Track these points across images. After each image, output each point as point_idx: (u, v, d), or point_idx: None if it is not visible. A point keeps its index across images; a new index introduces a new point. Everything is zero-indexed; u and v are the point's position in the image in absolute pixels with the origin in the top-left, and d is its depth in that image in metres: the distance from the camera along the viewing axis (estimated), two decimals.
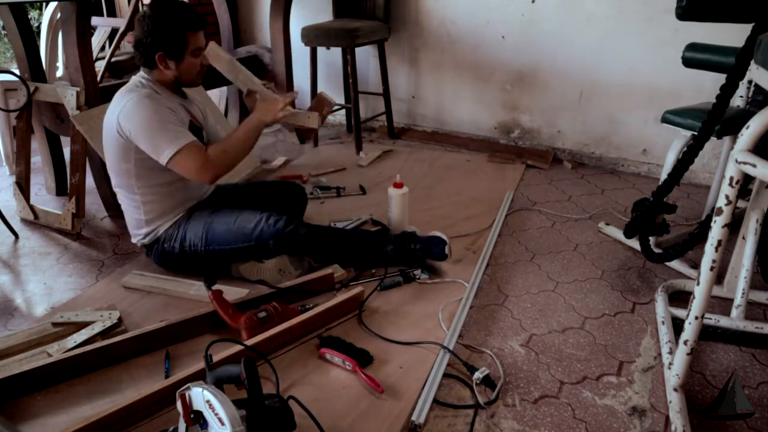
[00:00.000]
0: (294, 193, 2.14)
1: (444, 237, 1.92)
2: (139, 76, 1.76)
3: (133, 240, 1.93)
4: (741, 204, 2.12)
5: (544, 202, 2.53)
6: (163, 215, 1.85)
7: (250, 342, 1.46)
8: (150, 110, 1.66)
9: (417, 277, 1.88)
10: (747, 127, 1.14)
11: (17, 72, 2.35)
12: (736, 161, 1.14)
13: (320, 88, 3.31)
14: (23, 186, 2.38)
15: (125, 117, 1.66)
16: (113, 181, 1.84)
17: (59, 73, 3.22)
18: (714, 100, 1.47)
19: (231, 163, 1.75)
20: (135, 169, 1.75)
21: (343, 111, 3.62)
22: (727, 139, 1.97)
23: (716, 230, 1.22)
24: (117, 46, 3.21)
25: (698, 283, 1.27)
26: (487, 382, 1.43)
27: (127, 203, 1.85)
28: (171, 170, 1.71)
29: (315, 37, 2.99)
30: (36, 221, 2.34)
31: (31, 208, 2.35)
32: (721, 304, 1.74)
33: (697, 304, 1.28)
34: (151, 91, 1.72)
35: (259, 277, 1.86)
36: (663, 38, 2.58)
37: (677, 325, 1.58)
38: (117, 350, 1.49)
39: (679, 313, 1.65)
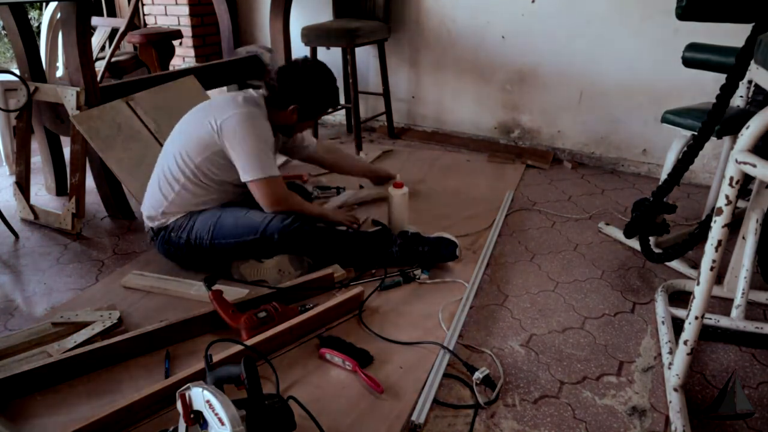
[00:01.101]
0: (300, 195, 2.13)
1: (453, 238, 1.94)
2: (258, 98, 1.86)
3: (145, 220, 1.92)
4: (741, 204, 2.12)
5: (544, 202, 2.53)
6: (188, 206, 1.85)
7: (250, 342, 1.46)
8: (261, 132, 1.78)
9: (417, 277, 1.88)
10: (747, 127, 1.14)
11: (17, 72, 2.35)
12: (736, 161, 1.14)
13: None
14: (23, 186, 2.38)
15: (235, 123, 1.75)
16: (168, 158, 1.85)
17: (59, 73, 3.22)
18: (714, 100, 1.47)
19: (294, 210, 1.85)
20: (203, 159, 1.79)
21: (343, 111, 3.62)
22: (727, 139, 1.97)
23: (716, 230, 1.22)
24: (117, 46, 3.21)
25: (698, 283, 1.27)
26: (487, 382, 1.43)
27: (166, 180, 1.84)
28: (231, 175, 1.80)
29: (315, 37, 2.99)
30: (36, 221, 2.34)
31: (31, 208, 2.35)
32: (721, 304, 1.74)
33: (697, 304, 1.28)
34: (262, 113, 1.82)
35: (258, 277, 1.86)
36: (663, 38, 2.58)
37: (677, 325, 1.58)
38: (117, 350, 1.49)
39: (679, 313, 1.65)
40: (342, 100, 3.45)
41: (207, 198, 1.87)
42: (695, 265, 1.94)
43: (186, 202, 1.85)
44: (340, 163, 2.35)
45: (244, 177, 1.77)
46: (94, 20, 3.55)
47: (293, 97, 1.84)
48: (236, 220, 1.83)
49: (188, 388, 1.06)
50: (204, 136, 1.78)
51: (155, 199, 1.87)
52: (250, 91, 1.90)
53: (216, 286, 1.67)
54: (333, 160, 2.32)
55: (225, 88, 3.44)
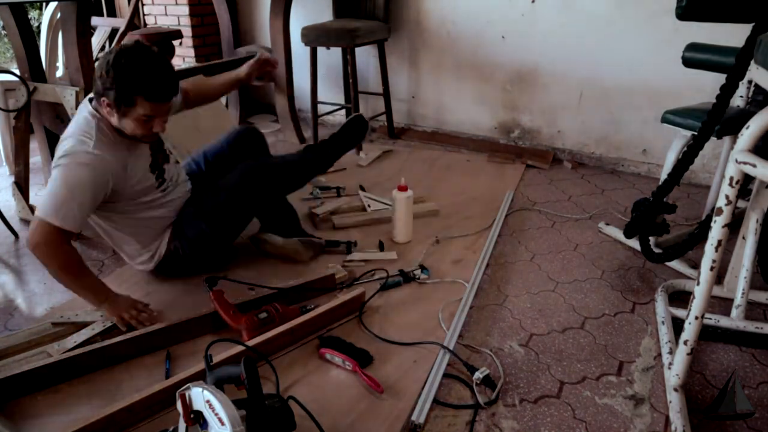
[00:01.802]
0: (252, 138, 2.09)
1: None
2: (91, 119, 1.57)
3: (140, 268, 1.86)
4: (741, 204, 2.12)
5: (544, 202, 2.53)
6: (148, 233, 1.78)
7: (250, 343, 1.46)
8: (74, 181, 1.50)
9: (417, 277, 1.88)
10: (747, 127, 1.14)
11: (17, 72, 2.35)
12: (736, 161, 1.14)
13: (320, 88, 3.32)
14: (22, 186, 2.38)
15: (58, 166, 1.51)
16: (99, 228, 1.74)
17: (59, 73, 3.22)
18: (714, 100, 1.47)
19: (47, 264, 1.53)
20: (105, 209, 1.66)
21: (343, 111, 3.62)
22: (727, 139, 1.97)
23: (716, 230, 1.22)
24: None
25: (698, 283, 1.27)
26: (487, 382, 1.43)
27: (104, 234, 1.77)
28: (129, 193, 1.64)
29: (315, 37, 2.99)
30: None
31: (31, 207, 2.35)
32: (721, 304, 1.74)
33: (697, 304, 1.28)
34: (96, 155, 1.52)
35: (279, 251, 1.98)
36: (663, 38, 2.58)
37: (677, 325, 1.58)
38: (117, 350, 1.49)
39: (679, 313, 1.65)
40: (342, 100, 3.45)
41: (152, 218, 1.75)
42: (695, 265, 1.94)
43: (149, 233, 1.77)
44: (207, 92, 2.04)
45: (36, 210, 1.53)
46: (94, 20, 3.55)
47: (100, 90, 1.52)
48: (216, 201, 1.80)
49: (188, 388, 1.06)
50: None
51: (124, 252, 1.82)
52: (84, 115, 1.59)
53: (217, 287, 1.67)
54: (194, 97, 1.98)
55: None
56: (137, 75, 1.48)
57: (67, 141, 1.55)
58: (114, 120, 1.56)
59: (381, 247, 2.07)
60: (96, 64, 1.56)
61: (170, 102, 1.59)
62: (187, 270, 1.90)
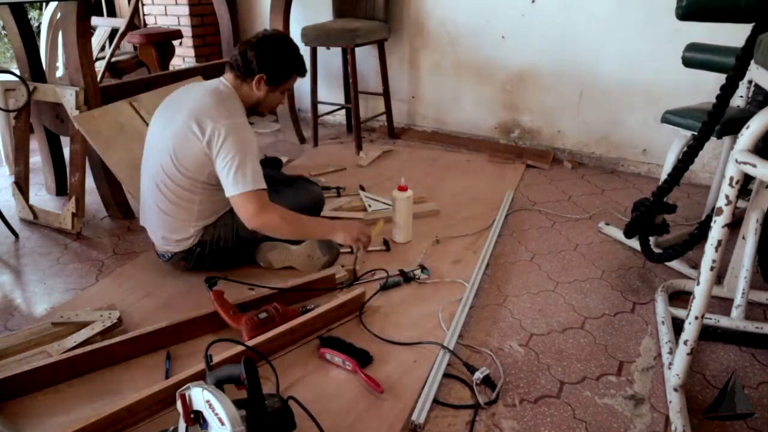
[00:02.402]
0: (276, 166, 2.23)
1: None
2: (227, 91, 1.76)
3: (168, 247, 1.84)
4: (741, 204, 2.12)
5: (544, 202, 2.53)
6: (213, 214, 1.82)
7: (250, 343, 1.46)
8: (249, 143, 1.68)
9: (417, 277, 1.88)
10: (747, 127, 1.14)
11: (17, 72, 2.35)
12: (736, 161, 1.14)
13: (320, 88, 3.32)
14: (22, 186, 2.38)
15: (226, 133, 1.64)
16: (173, 178, 1.73)
17: (59, 73, 3.22)
18: (714, 100, 1.47)
19: (279, 229, 1.72)
20: (207, 174, 1.72)
21: (343, 111, 3.62)
22: (727, 139, 1.97)
23: (716, 230, 1.22)
24: (117, 46, 3.21)
25: (698, 283, 1.27)
26: (487, 382, 1.43)
27: (177, 203, 1.76)
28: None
29: (315, 37, 2.99)
30: (35, 221, 2.34)
31: (31, 208, 2.35)
32: (721, 304, 1.74)
33: (697, 304, 1.28)
34: (244, 119, 1.74)
35: (287, 263, 1.91)
36: (663, 38, 2.58)
37: (677, 325, 1.58)
38: (117, 350, 1.49)
39: (679, 313, 1.65)
40: (342, 100, 3.45)
41: (221, 201, 1.79)
42: (695, 265, 1.94)
43: (208, 213, 1.81)
44: None
45: (232, 190, 1.66)
46: (94, 20, 3.55)
47: (257, 65, 1.74)
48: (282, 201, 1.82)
49: (188, 388, 1.06)
50: (197, 154, 1.68)
51: (173, 225, 1.79)
52: (218, 84, 1.78)
53: (217, 287, 1.66)
54: None
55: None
56: (295, 57, 1.83)
57: (218, 111, 1.68)
58: (259, 94, 1.80)
59: (387, 246, 2.07)
60: (243, 50, 1.76)
61: None
62: (223, 263, 1.90)
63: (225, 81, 1.80)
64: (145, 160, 1.84)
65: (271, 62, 1.76)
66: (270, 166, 2.12)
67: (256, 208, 1.66)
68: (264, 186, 1.68)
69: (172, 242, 1.83)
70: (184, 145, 1.69)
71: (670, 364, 1.45)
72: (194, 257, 1.86)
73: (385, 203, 2.38)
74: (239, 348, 1.37)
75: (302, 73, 1.86)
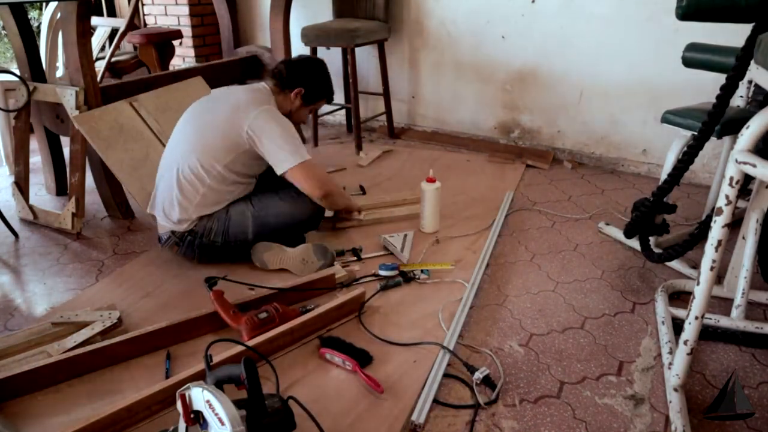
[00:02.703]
0: None
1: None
2: (267, 92, 1.95)
3: (167, 225, 1.90)
4: (741, 204, 2.12)
5: (544, 202, 2.53)
6: (211, 205, 1.88)
7: (250, 343, 1.46)
8: (284, 124, 1.86)
9: (417, 277, 1.88)
10: (747, 127, 1.14)
11: (17, 72, 2.35)
12: (736, 161, 1.14)
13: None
14: (22, 186, 2.38)
15: (259, 123, 1.81)
16: (186, 160, 1.85)
17: (59, 73, 3.22)
18: (714, 100, 1.47)
19: (332, 198, 2.00)
20: (231, 160, 1.83)
21: (343, 111, 3.62)
22: (727, 139, 1.97)
23: (716, 230, 1.22)
24: (117, 46, 3.21)
25: (698, 283, 1.27)
26: (487, 382, 1.43)
27: (187, 183, 1.84)
28: (259, 169, 1.94)
29: (315, 37, 2.99)
30: (35, 221, 2.34)
31: (31, 208, 2.35)
32: (721, 304, 1.75)
33: (697, 304, 1.28)
34: (277, 109, 1.91)
35: (281, 266, 1.93)
36: (663, 38, 2.58)
37: (677, 325, 1.58)
38: (117, 350, 1.49)
39: (679, 313, 1.65)
40: (342, 100, 3.45)
41: (232, 193, 1.91)
42: (695, 265, 1.94)
43: (210, 201, 1.87)
44: None
45: (280, 167, 1.83)
46: (94, 20, 3.55)
47: (299, 81, 1.96)
48: (276, 210, 1.95)
49: (188, 388, 1.06)
50: (232, 136, 1.82)
51: (176, 204, 1.86)
52: (258, 85, 1.98)
53: (217, 287, 1.66)
54: None
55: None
56: (330, 84, 2.09)
57: (256, 106, 1.84)
58: (292, 104, 1.99)
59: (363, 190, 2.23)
60: (289, 65, 1.99)
61: None
62: (211, 257, 1.95)
63: (265, 85, 1.98)
64: (174, 144, 1.94)
65: (312, 81, 1.99)
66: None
67: (316, 179, 1.88)
68: (306, 156, 1.85)
69: (170, 220, 1.89)
70: (221, 137, 1.83)
71: (670, 364, 1.45)
72: (185, 244, 1.91)
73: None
74: (239, 348, 1.37)
75: (331, 100, 2.12)
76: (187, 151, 1.86)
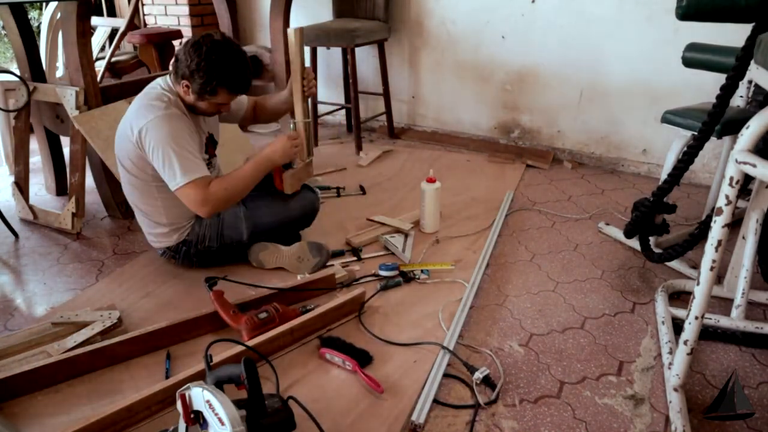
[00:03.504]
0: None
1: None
2: (166, 87, 1.73)
3: (156, 243, 1.90)
4: (741, 204, 2.12)
5: (544, 202, 2.53)
6: (187, 212, 1.82)
7: (250, 342, 1.46)
8: (173, 134, 1.64)
9: (417, 277, 1.88)
10: (747, 127, 1.14)
11: (17, 72, 2.35)
12: (736, 161, 1.14)
13: (320, 88, 3.32)
14: (22, 186, 2.38)
15: (148, 133, 1.64)
16: (127, 188, 1.83)
17: (59, 73, 3.22)
18: (714, 100, 1.47)
19: (231, 199, 1.74)
20: (153, 175, 1.73)
21: (343, 111, 3.62)
22: (727, 139, 1.97)
23: (716, 230, 1.22)
24: (117, 46, 3.21)
25: (698, 283, 1.27)
26: (487, 382, 1.43)
27: (142, 201, 1.82)
28: None
29: (315, 37, 2.99)
30: (35, 221, 2.34)
31: (30, 208, 2.35)
32: (721, 304, 1.75)
33: (697, 304, 1.28)
34: (177, 110, 1.70)
35: (277, 264, 1.92)
36: (663, 38, 2.58)
37: (677, 325, 1.58)
38: (117, 350, 1.49)
39: (679, 313, 1.65)
40: (342, 100, 3.45)
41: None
42: (695, 265, 1.94)
43: (180, 210, 1.82)
44: (267, 109, 2.08)
45: (170, 185, 1.67)
46: (94, 20, 3.55)
47: (183, 70, 1.66)
48: (270, 210, 1.92)
49: (188, 388, 1.06)
50: (133, 153, 1.71)
51: (150, 223, 1.86)
52: (159, 80, 1.77)
53: (217, 287, 1.66)
54: (261, 110, 2.08)
55: None
56: (225, 71, 1.65)
57: (140, 112, 1.67)
58: (188, 98, 1.72)
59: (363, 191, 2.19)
60: (181, 49, 1.68)
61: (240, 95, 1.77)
62: (208, 262, 1.93)
63: (166, 78, 1.77)
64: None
65: (196, 72, 1.63)
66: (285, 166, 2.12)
67: (195, 201, 1.67)
68: (197, 173, 1.65)
69: (155, 237, 1.89)
70: (126, 151, 1.74)
71: (670, 364, 1.45)
72: (181, 255, 1.90)
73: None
74: (239, 348, 1.37)
75: (234, 89, 1.69)
76: (122, 173, 1.81)
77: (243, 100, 2.02)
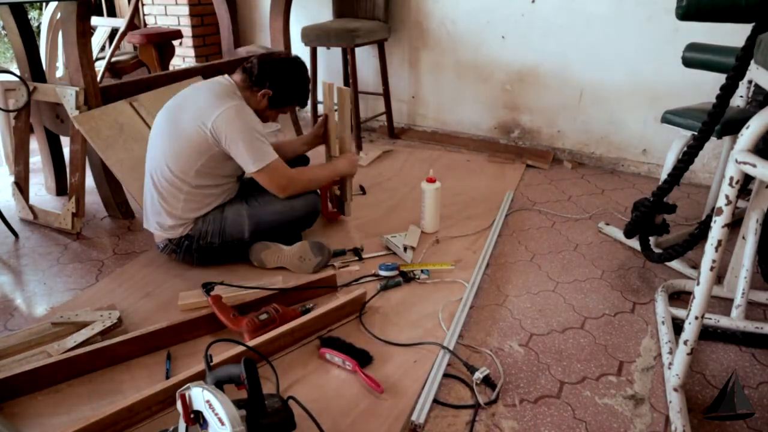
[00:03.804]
0: (303, 163, 2.24)
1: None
2: (232, 86, 1.84)
3: (159, 233, 1.90)
4: (741, 204, 2.12)
5: (544, 202, 2.53)
6: (199, 208, 1.86)
7: (250, 343, 1.46)
8: (250, 121, 1.79)
9: (417, 277, 1.88)
10: (747, 127, 1.14)
11: (17, 72, 2.35)
12: (736, 161, 1.14)
13: (320, 88, 3.31)
14: (22, 186, 2.38)
15: (224, 122, 1.73)
16: (163, 177, 1.82)
17: (59, 73, 3.22)
18: (714, 100, 1.47)
19: (307, 188, 1.97)
20: (202, 164, 1.79)
21: None
22: (727, 139, 1.97)
23: (716, 230, 1.22)
24: (117, 46, 3.21)
25: (698, 283, 1.27)
26: (487, 382, 1.43)
27: (167, 191, 1.83)
28: (234, 168, 1.86)
29: (315, 37, 2.99)
30: (35, 221, 2.34)
31: (31, 208, 2.35)
32: (721, 304, 1.75)
33: (697, 304, 1.28)
34: (245, 104, 1.82)
35: (279, 264, 1.93)
36: (663, 38, 2.58)
37: (677, 325, 1.58)
38: (117, 350, 1.49)
39: (679, 313, 1.65)
40: None
41: (215, 195, 1.88)
42: (695, 265, 1.94)
43: (195, 206, 1.85)
44: (284, 153, 2.13)
45: (249, 169, 1.80)
46: (94, 20, 3.55)
47: (268, 81, 1.86)
48: (272, 208, 1.93)
49: (188, 388, 1.06)
50: (197, 140, 1.76)
51: (163, 212, 1.85)
52: (221, 79, 1.88)
53: (214, 291, 1.66)
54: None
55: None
56: (304, 90, 1.97)
57: (222, 103, 1.76)
58: (258, 104, 1.90)
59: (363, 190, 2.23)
60: (266, 61, 1.88)
61: None
62: (209, 259, 1.94)
63: (229, 78, 1.88)
64: (148, 150, 1.91)
65: (282, 86, 1.89)
66: (298, 163, 2.15)
67: (279, 181, 1.86)
68: (271, 157, 1.81)
69: (164, 228, 1.89)
70: (187, 140, 1.78)
71: (670, 364, 1.45)
72: (182, 249, 1.90)
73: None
74: (239, 348, 1.37)
75: (303, 105, 2.03)
76: (158, 159, 1.83)
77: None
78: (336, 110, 2.13)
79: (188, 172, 1.80)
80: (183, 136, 1.78)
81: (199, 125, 1.75)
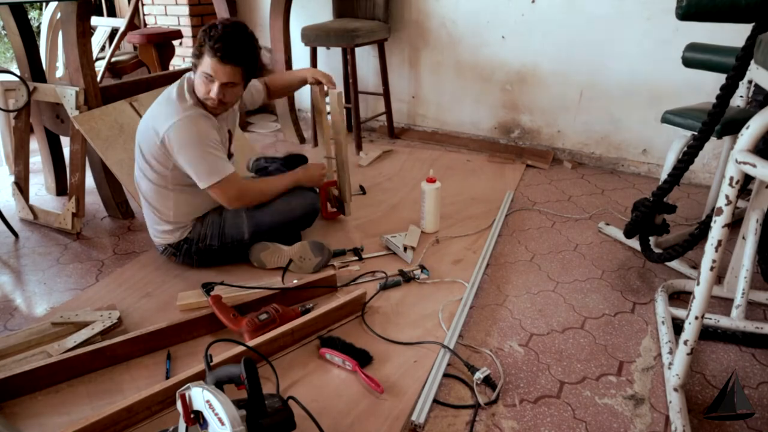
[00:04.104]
0: (301, 162, 2.22)
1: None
2: (187, 87, 1.76)
3: (159, 240, 1.91)
4: (741, 204, 2.12)
5: (544, 202, 2.53)
6: (194, 211, 1.87)
7: (250, 342, 1.46)
8: (199, 135, 1.71)
9: (417, 276, 1.88)
10: (747, 127, 1.14)
11: (17, 72, 2.35)
12: (736, 161, 1.14)
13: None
14: (22, 186, 2.38)
15: (173, 134, 1.69)
16: (144, 183, 1.83)
17: (59, 73, 3.22)
18: (714, 100, 1.47)
19: (262, 200, 1.91)
20: (171, 171, 1.77)
21: (343, 111, 3.61)
22: (727, 139, 1.97)
23: (716, 230, 1.22)
24: (117, 46, 3.21)
25: (698, 283, 1.27)
26: (488, 382, 1.43)
27: (155, 198, 1.84)
28: None
29: (315, 37, 2.99)
30: (35, 221, 2.34)
31: (31, 208, 2.35)
32: (721, 304, 1.75)
33: (697, 304, 1.28)
34: (198, 111, 1.73)
35: (279, 264, 1.92)
36: (663, 38, 2.58)
37: (677, 325, 1.58)
38: (117, 350, 1.49)
39: (679, 313, 1.65)
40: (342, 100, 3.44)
41: (205, 193, 1.83)
42: (695, 265, 1.94)
43: (188, 209, 1.86)
44: (278, 88, 2.19)
45: (200, 184, 1.75)
46: (94, 20, 3.55)
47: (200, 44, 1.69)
48: (270, 209, 1.92)
49: (188, 388, 1.06)
50: (157, 152, 1.74)
51: (157, 219, 1.87)
52: (184, 78, 1.79)
53: (214, 292, 1.66)
54: (274, 89, 2.18)
55: None
56: (211, 33, 1.65)
57: (162, 112, 1.72)
58: (195, 82, 1.73)
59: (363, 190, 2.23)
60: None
61: (229, 68, 1.67)
62: (209, 261, 1.94)
63: (187, 76, 1.79)
64: (136, 163, 1.89)
65: (200, 38, 1.67)
66: (296, 162, 2.15)
67: (230, 196, 1.80)
68: (226, 171, 1.75)
69: (158, 234, 1.90)
70: (149, 150, 1.77)
71: (670, 364, 1.45)
72: (182, 253, 1.91)
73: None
74: (239, 348, 1.37)
75: (213, 54, 1.64)
76: (137, 170, 1.84)
77: (258, 86, 2.11)
78: (329, 114, 2.13)
79: (165, 177, 1.79)
80: (147, 144, 1.76)
81: (154, 135, 1.72)
